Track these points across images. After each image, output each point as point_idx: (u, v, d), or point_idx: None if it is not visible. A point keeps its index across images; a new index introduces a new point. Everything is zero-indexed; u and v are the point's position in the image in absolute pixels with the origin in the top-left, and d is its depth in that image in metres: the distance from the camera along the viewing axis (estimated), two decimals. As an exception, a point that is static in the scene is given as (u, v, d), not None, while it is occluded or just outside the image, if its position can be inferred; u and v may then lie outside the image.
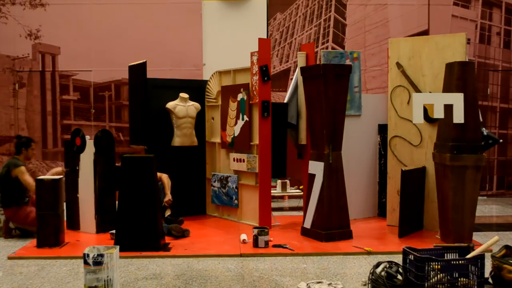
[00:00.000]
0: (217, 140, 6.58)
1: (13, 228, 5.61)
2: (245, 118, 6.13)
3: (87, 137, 5.77)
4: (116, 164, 5.72)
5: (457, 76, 4.98)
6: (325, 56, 6.19)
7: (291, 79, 7.74)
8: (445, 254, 3.73)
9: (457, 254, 3.73)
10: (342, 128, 5.33)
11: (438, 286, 3.41)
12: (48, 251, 4.91)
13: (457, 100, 4.78)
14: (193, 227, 5.99)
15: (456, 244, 4.04)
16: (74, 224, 5.76)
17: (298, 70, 6.04)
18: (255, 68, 5.86)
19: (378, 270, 3.68)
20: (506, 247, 3.80)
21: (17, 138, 5.87)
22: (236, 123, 6.29)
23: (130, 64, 6.49)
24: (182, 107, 6.38)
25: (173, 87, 6.51)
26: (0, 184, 5.59)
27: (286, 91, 7.70)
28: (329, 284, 3.86)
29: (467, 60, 5.48)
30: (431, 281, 3.39)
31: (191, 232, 5.60)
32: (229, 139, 6.37)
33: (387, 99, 6.09)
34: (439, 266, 3.42)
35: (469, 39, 8.10)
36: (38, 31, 8.19)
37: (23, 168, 5.57)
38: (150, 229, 4.91)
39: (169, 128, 6.41)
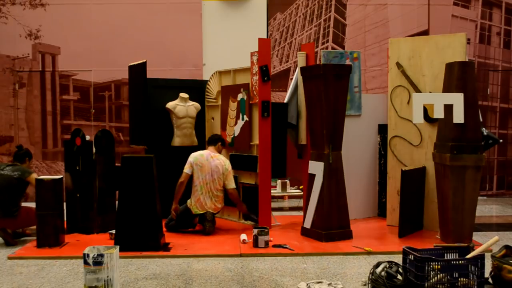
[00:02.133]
0: (217, 140, 6.57)
1: (11, 232, 5.37)
2: (245, 118, 6.13)
3: (87, 137, 5.77)
4: (116, 164, 5.71)
5: (457, 76, 4.98)
6: (325, 56, 6.19)
7: (291, 79, 7.74)
8: (445, 254, 3.73)
9: (457, 254, 3.73)
10: (342, 128, 5.33)
11: (438, 286, 3.41)
12: (48, 251, 4.91)
13: (457, 100, 4.78)
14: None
15: (456, 244, 4.04)
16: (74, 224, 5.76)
17: (298, 70, 6.04)
18: (255, 68, 5.86)
19: (378, 270, 3.68)
20: (506, 247, 3.80)
21: (19, 148, 5.74)
22: (236, 123, 6.29)
23: (130, 64, 6.50)
24: (182, 107, 6.37)
25: (173, 87, 6.51)
26: (11, 190, 5.37)
27: (286, 91, 7.70)
28: (329, 284, 3.86)
29: (467, 60, 5.48)
30: (431, 281, 3.40)
31: (192, 231, 5.61)
32: (229, 139, 6.37)
33: (387, 99, 6.09)
34: (439, 266, 3.42)
35: (469, 39, 8.10)
36: (38, 31, 8.19)
37: (35, 174, 5.50)
38: (150, 229, 4.91)
39: (169, 128, 6.41)
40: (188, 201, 5.65)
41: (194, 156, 5.63)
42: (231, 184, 5.67)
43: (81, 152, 5.66)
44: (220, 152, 5.82)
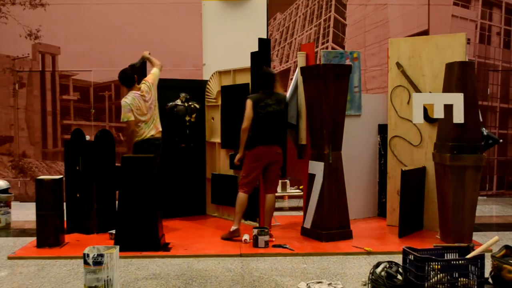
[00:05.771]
0: (217, 140, 6.58)
1: None
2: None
3: (87, 137, 5.77)
4: (116, 164, 5.71)
5: (457, 76, 4.98)
6: (325, 56, 6.19)
7: (291, 79, 7.73)
8: (445, 254, 3.73)
9: (457, 254, 3.73)
10: (342, 128, 5.33)
11: (438, 286, 3.41)
12: (48, 251, 4.91)
13: (457, 100, 4.78)
14: (193, 227, 6.01)
15: (456, 244, 4.04)
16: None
17: (298, 70, 6.03)
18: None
19: (378, 270, 3.68)
20: (506, 247, 3.80)
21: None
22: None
23: (130, 64, 6.48)
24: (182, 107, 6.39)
25: (173, 87, 6.51)
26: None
27: (286, 91, 7.69)
28: (329, 284, 3.86)
29: (467, 60, 5.48)
30: (431, 281, 3.40)
31: (192, 231, 5.61)
32: (229, 139, 6.36)
33: (387, 99, 6.09)
34: (439, 266, 3.43)
35: (469, 39, 8.10)
36: (38, 31, 8.19)
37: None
38: (150, 229, 4.91)
39: (169, 128, 6.40)
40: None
41: (129, 103, 5.53)
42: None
43: (81, 152, 5.66)
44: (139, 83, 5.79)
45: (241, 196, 5.30)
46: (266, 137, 5.26)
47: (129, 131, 5.60)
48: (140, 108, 5.60)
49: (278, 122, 5.34)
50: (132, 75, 5.70)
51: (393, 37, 7.09)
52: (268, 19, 8.36)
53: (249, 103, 5.28)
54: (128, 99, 5.57)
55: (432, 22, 8.37)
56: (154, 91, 5.77)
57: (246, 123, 5.27)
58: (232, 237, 5.25)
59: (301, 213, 6.37)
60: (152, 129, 5.73)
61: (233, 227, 5.28)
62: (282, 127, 5.39)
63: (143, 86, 5.71)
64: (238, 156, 5.41)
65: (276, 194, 7.32)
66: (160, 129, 5.84)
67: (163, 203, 6.04)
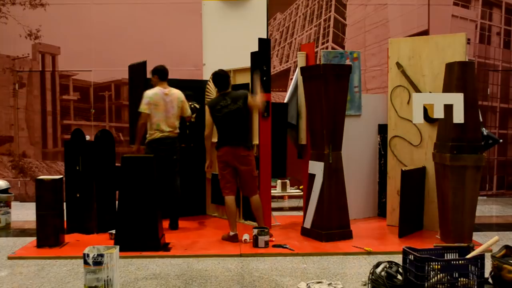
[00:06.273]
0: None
1: None
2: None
3: (87, 137, 5.77)
4: (116, 164, 5.71)
5: (457, 76, 4.98)
6: (325, 56, 6.19)
7: (291, 79, 7.74)
8: (445, 254, 3.73)
9: (457, 254, 3.73)
10: (342, 128, 5.33)
11: (438, 286, 3.41)
12: (48, 251, 4.91)
13: (457, 100, 4.78)
14: (193, 227, 6.01)
15: (456, 244, 4.04)
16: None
17: (298, 70, 6.04)
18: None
19: (378, 270, 3.68)
20: (506, 247, 3.80)
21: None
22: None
23: (130, 64, 6.49)
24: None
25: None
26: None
27: (286, 91, 7.70)
28: (329, 284, 3.86)
29: (467, 60, 5.48)
30: (431, 281, 3.40)
31: (192, 231, 5.60)
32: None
33: (387, 99, 6.09)
34: (439, 266, 3.43)
35: (469, 39, 8.10)
36: (38, 31, 8.19)
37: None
38: (150, 229, 4.91)
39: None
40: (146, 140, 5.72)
41: (149, 96, 5.63)
42: (188, 112, 5.90)
43: (81, 152, 5.66)
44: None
45: (227, 200, 5.30)
46: (229, 138, 5.25)
47: (139, 123, 5.67)
48: (158, 104, 5.62)
49: (238, 121, 5.24)
50: (166, 71, 5.81)
51: (393, 37, 7.09)
52: (268, 19, 8.35)
53: (206, 109, 5.41)
54: (151, 92, 5.67)
55: (432, 22, 8.37)
56: (177, 106, 5.77)
57: (206, 130, 5.52)
58: (232, 241, 5.25)
59: (301, 213, 6.37)
60: (165, 128, 5.69)
61: (231, 233, 5.26)
62: (244, 124, 5.30)
63: (175, 90, 5.79)
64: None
65: (276, 194, 7.44)
66: (171, 129, 5.76)
67: (183, 201, 6.11)
